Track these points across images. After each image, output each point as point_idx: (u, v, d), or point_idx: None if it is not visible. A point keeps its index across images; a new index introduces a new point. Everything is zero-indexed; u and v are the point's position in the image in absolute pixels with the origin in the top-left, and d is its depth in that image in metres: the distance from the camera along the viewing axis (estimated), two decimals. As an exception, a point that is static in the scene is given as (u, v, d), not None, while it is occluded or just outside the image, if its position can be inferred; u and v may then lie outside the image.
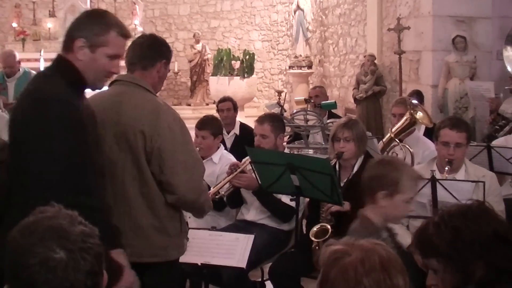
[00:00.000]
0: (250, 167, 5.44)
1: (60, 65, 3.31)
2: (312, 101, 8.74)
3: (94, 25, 3.32)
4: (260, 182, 5.26)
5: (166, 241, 3.89)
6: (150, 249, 3.84)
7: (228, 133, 8.01)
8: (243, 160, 5.68)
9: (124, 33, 3.40)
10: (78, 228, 1.95)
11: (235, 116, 8.36)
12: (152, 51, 4.00)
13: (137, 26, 18.60)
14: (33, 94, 3.22)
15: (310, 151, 7.16)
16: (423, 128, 7.37)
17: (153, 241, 3.84)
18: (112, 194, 3.78)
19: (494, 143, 6.51)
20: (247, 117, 14.07)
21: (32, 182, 3.08)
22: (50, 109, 3.11)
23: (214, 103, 14.25)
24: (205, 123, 6.16)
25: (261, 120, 5.87)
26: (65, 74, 3.26)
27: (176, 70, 18.90)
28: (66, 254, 1.88)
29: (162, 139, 3.71)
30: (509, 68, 9.04)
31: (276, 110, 9.04)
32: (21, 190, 3.16)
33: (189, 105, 18.85)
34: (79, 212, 2.91)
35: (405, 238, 4.96)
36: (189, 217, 4.91)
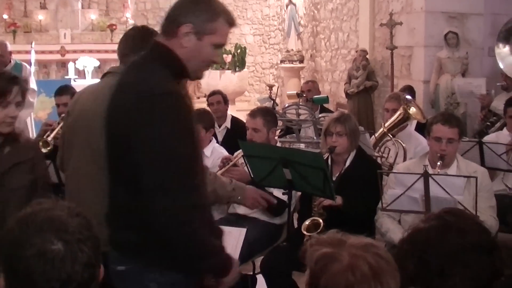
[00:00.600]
0: (242, 161, 5.44)
1: (161, 53, 3.03)
2: (304, 95, 8.73)
3: (202, 10, 3.00)
4: (252, 176, 5.26)
5: None
6: None
7: (219, 126, 8.01)
8: (235, 153, 5.69)
9: (231, 21, 3.09)
10: (75, 220, 1.94)
11: (226, 109, 8.35)
12: (145, 42, 3.99)
13: (128, 19, 18.54)
14: (137, 88, 2.92)
15: (302, 145, 7.15)
16: (414, 123, 7.38)
17: None
18: (105, 185, 3.77)
19: (485, 139, 6.53)
20: (238, 111, 14.07)
21: (146, 184, 2.84)
22: (161, 104, 2.83)
23: (205, 96, 14.22)
24: (196, 117, 6.14)
25: (253, 114, 5.87)
26: (167, 63, 2.99)
27: (167, 63, 18.84)
28: (63, 245, 1.87)
29: None
30: (501, 65, 9.05)
31: (268, 104, 9.04)
32: (126, 195, 2.98)
33: (180, 98, 18.80)
34: (194, 212, 2.89)
35: (396, 233, 4.98)
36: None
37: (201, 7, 3.02)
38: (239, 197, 4.07)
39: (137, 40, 4.00)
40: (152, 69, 2.98)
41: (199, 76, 3.18)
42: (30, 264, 1.84)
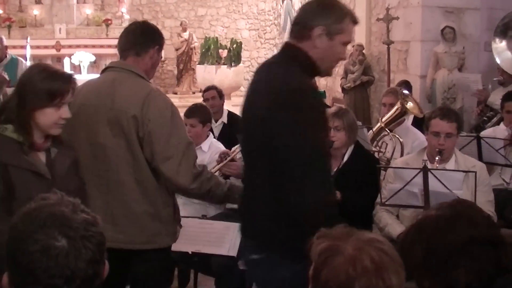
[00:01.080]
0: (240, 155, 5.41)
1: (295, 54, 3.24)
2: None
3: (331, 13, 3.23)
4: (250, 171, 5.23)
5: (159, 227, 3.90)
6: (143, 236, 3.85)
7: (215, 121, 7.96)
8: (233, 148, 5.66)
9: (355, 20, 3.32)
10: (80, 216, 1.92)
11: (222, 104, 8.30)
12: (145, 37, 4.01)
13: (124, 13, 18.52)
14: (274, 84, 3.14)
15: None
16: (411, 118, 7.37)
17: (146, 227, 3.85)
18: (106, 180, 3.78)
19: (483, 133, 6.54)
20: (234, 106, 14.01)
21: (287, 177, 3.01)
22: (299, 98, 3.03)
23: (200, 91, 14.19)
24: (193, 111, 6.14)
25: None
26: (301, 63, 3.19)
27: (162, 58, 18.82)
28: (67, 242, 1.85)
29: (152, 124, 3.73)
30: (497, 60, 9.04)
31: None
32: (264, 187, 3.16)
33: (176, 93, 18.79)
34: (329, 203, 3.05)
35: (394, 228, 4.97)
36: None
37: (329, 9, 3.26)
38: (236, 196, 4.11)
39: (137, 35, 4.01)
40: (287, 67, 3.19)
41: (329, 73, 3.43)
42: (33, 260, 1.83)
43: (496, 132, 6.60)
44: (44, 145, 3.36)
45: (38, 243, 1.83)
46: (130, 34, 4.02)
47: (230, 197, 4.18)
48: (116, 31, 16.08)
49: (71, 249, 1.85)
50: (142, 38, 3.99)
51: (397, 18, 11.07)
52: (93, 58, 15.96)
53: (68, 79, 3.34)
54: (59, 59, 17.13)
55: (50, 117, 3.28)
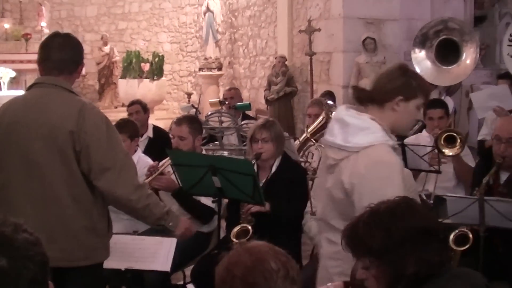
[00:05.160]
0: (169, 169, 5.40)
1: None
2: (227, 102, 8.73)
3: None
4: (181, 185, 5.22)
5: (96, 242, 3.88)
6: (81, 252, 3.81)
7: (141, 136, 7.90)
8: (162, 161, 5.64)
9: None
10: (21, 236, 1.88)
11: (147, 118, 8.24)
12: (75, 55, 3.99)
13: (43, 27, 18.25)
14: None
15: (225, 153, 7.15)
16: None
17: (84, 243, 3.81)
18: (42, 197, 3.72)
19: (406, 141, 6.66)
20: (157, 119, 13.98)
21: None
22: None
23: (123, 106, 14.09)
24: (121, 126, 6.09)
25: (179, 121, 5.85)
26: None
27: (83, 72, 18.61)
28: (8, 262, 1.82)
29: (89, 137, 3.71)
30: (417, 69, 9.21)
31: (191, 112, 9.00)
32: None
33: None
34: None
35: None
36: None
37: None
38: (170, 224, 4.12)
39: (68, 53, 3.95)
40: None
41: None
42: None
43: (419, 139, 6.73)
44: None
45: None
46: (59, 51, 3.93)
47: (166, 221, 4.14)
48: (36, 46, 15.78)
49: (11, 269, 1.81)
50: (72, 57, 3.95)
51: (319, 29, 11.23)
52: (13, 74, 15.61)
53: None
54: (-22, 75, 16.77)
55: None
